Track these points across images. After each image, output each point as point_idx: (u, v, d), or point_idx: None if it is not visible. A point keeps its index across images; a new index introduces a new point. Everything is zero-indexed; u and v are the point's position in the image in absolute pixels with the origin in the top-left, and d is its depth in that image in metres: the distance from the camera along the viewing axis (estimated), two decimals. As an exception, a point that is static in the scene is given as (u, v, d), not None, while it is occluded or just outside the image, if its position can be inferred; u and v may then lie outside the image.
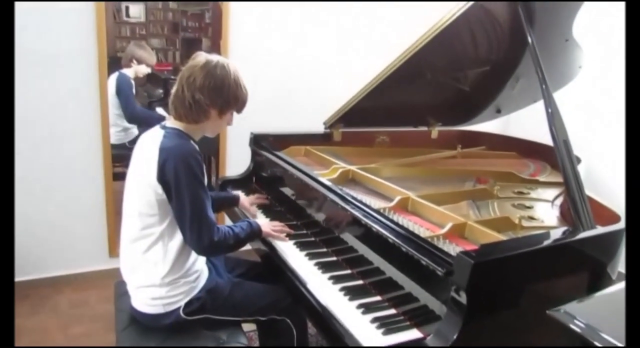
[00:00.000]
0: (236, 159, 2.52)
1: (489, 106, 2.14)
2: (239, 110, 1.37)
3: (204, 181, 1.26)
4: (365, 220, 1.27)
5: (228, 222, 1.88)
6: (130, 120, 2.64)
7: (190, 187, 1.21)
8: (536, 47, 1.36)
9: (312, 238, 1.52)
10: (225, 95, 1.29)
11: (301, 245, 1.46)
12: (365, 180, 1.68)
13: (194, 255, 1.33)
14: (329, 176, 1.65)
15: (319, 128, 2.12)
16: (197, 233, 1.24)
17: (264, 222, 1.50)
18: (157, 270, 1.28)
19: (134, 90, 2.67)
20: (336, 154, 2.00)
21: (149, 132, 1.33)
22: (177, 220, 1.26)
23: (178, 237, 1.28)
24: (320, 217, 1.52)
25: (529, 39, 1.37)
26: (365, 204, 1.36)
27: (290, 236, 1.51)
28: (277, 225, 1.52)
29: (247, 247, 1.57)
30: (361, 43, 2.71)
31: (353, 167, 1.76)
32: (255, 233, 1.44)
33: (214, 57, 1.30)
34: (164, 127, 1.31)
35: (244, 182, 2.01)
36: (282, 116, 2.64)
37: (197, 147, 1.29)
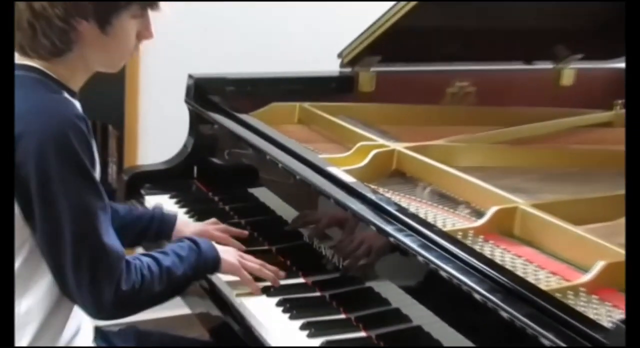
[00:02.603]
0: (160, 131, 2.55)
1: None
2: (150, 4, 1.36)
3: (95, 175, 1.29)
4: (424, 255, 1.27)
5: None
6: None
7: (70, 188, 1.25)
8: None
9: (317, 293, 1.54)
10: None
11: (294, 307, 1.46)
12: (425, 173, 1.69)
13: (75, 319, 1.37)
14: (351, 164, 1.66)
15: (329, 67, 2.15)
16: (90, 278, 1.27)
17: (225, 248, 1.54)
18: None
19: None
20: (364, 121, 2.01)
21: None
22: (45, 255, 1.28)
23: (42, 288, 1.30)
24: (331, 249, 1.52)
25: None
26: (425, 222, 1.36)
27: (267, 282, 1.53)
28: (252, 260, 1.55)
29: (183, 310, 1.58)
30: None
31: (399, 146, 1.76)
32: (206, 265, 1.46)
33: None
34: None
35: (175, 176, 2.04)
36: (258, 51, 2.67)
37: (78, 105, 1.32)
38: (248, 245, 1.69)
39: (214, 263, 1.47)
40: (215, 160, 2.03)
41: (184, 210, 1.90)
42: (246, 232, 1.73)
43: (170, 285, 1.38)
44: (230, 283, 1.53)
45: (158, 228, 1.67)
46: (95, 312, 1.32)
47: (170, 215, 1.71)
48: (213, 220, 1.75)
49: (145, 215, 1.70)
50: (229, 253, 1.51)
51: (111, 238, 1.29)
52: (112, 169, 2.77)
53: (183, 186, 2.02)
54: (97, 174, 1.31)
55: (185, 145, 2.05)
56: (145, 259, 1.36)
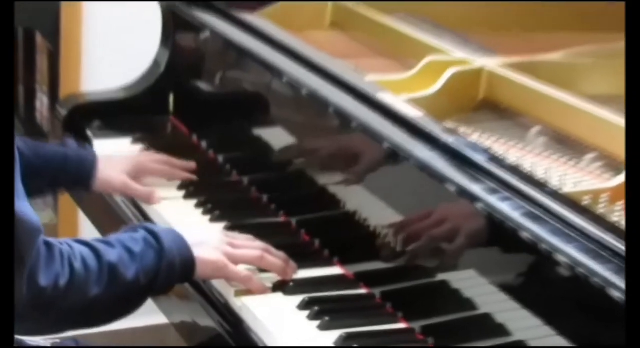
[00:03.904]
0: (114, 42, 2.60)
1: None
2: None
3: None
4: (532, 229, 1.28)
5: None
6: None
7: None
8: None
9: (361, 291, 1.57)
10: None
11: (326, 311, 1.49)
12: (531, 105, 1.71)
13: None
14: (416, 90, 1.69)
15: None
16: None
17: (203, 235, 1.58)
18: None
19: None
20: (435, 23, 2.03)
21: None
22: None
23: None
24: (383, 223, 1.52)
25: None
26: (532, 180, 1.39)
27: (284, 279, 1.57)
28: (246, 243, 1.59)
29: (154, 317, 1.59)
30: None
31: (490, 63, 1.78)
32: (170, 269, 1.48)
33: None
34: None
35: (140, 110, 2.08)
36: None
37: None
38: (255, 215, 1.70)
39: (185, 267, 1.47)
40: (202, 85, 2.05)
41: (155, 161, 1.92)
42: (194, 164, 1.83)
43: (114, 293, 1.41)
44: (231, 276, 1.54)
45: (76, 173, 1.79)
46: None
47: (87, 153, 1.83)
48: (147, 152, 1.89)
49: (57, 156, 1.82)
50: (208, 247, 1.51)
51: (25, 208, 1.29)
52: (42, 102, 2.79)
53: (152, 125, 2.07)
54: None
55: (156, 63, 2.07)
56: (78, 247, 1.39)
